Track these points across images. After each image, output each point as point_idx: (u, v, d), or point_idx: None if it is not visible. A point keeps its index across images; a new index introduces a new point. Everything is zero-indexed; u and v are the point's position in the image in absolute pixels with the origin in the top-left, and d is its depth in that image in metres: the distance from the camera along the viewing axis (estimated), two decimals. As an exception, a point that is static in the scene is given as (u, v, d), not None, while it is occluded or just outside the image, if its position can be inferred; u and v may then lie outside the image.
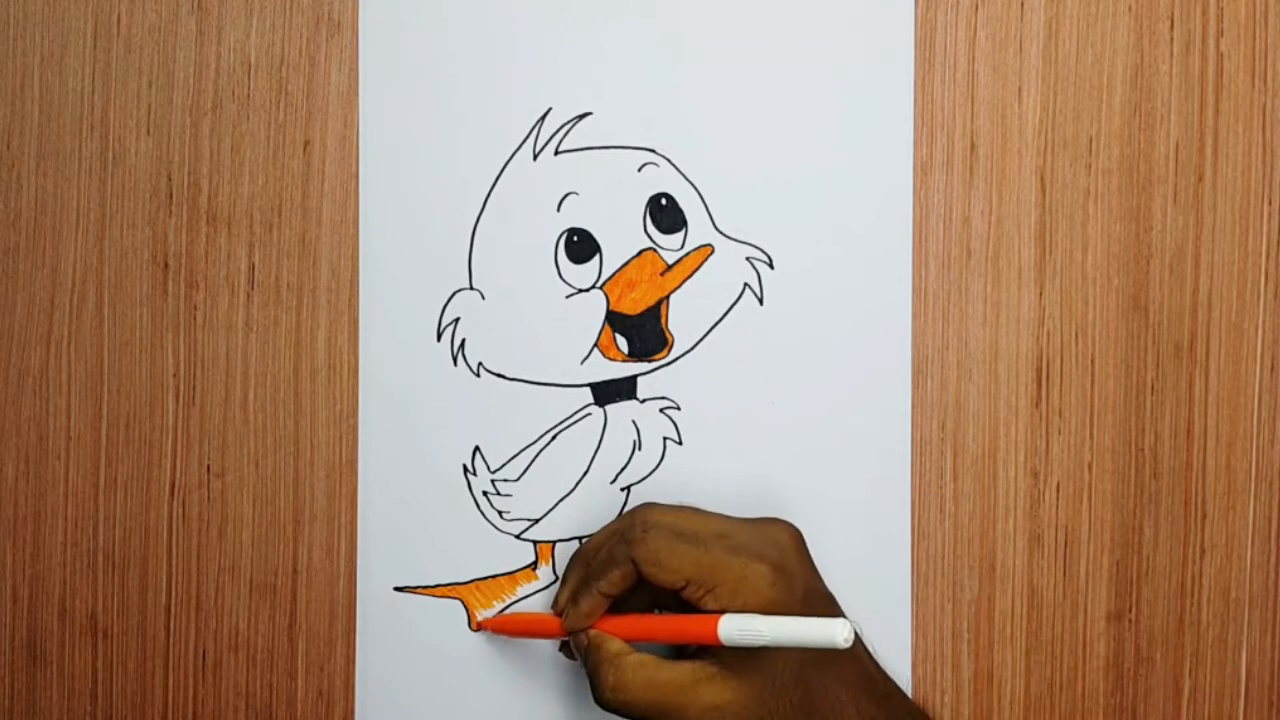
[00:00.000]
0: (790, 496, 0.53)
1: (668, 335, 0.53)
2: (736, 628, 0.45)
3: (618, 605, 0.49)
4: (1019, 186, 0.52)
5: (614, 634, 0.48)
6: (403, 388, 0.53)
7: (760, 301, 0.53)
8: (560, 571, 0.53)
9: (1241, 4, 0.52)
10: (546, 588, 0.53)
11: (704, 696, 0.46)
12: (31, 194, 0.54)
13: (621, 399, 0.53)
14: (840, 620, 0.43)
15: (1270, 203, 0.52)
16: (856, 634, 0.45)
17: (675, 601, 0.48)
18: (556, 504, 0.53)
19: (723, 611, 0.46)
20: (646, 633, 0.48)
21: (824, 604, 0.49)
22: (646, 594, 0.49)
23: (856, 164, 0.53)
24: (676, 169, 0.53)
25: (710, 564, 0.46)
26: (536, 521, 0.53)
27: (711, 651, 0.46)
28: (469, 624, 0.53)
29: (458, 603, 0.53)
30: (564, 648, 0.52)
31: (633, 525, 0.48)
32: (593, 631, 0.48)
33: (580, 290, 0.53)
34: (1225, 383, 0.52)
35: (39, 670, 0.54)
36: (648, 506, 0.50)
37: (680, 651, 0.50)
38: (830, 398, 0.53)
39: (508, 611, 0.53)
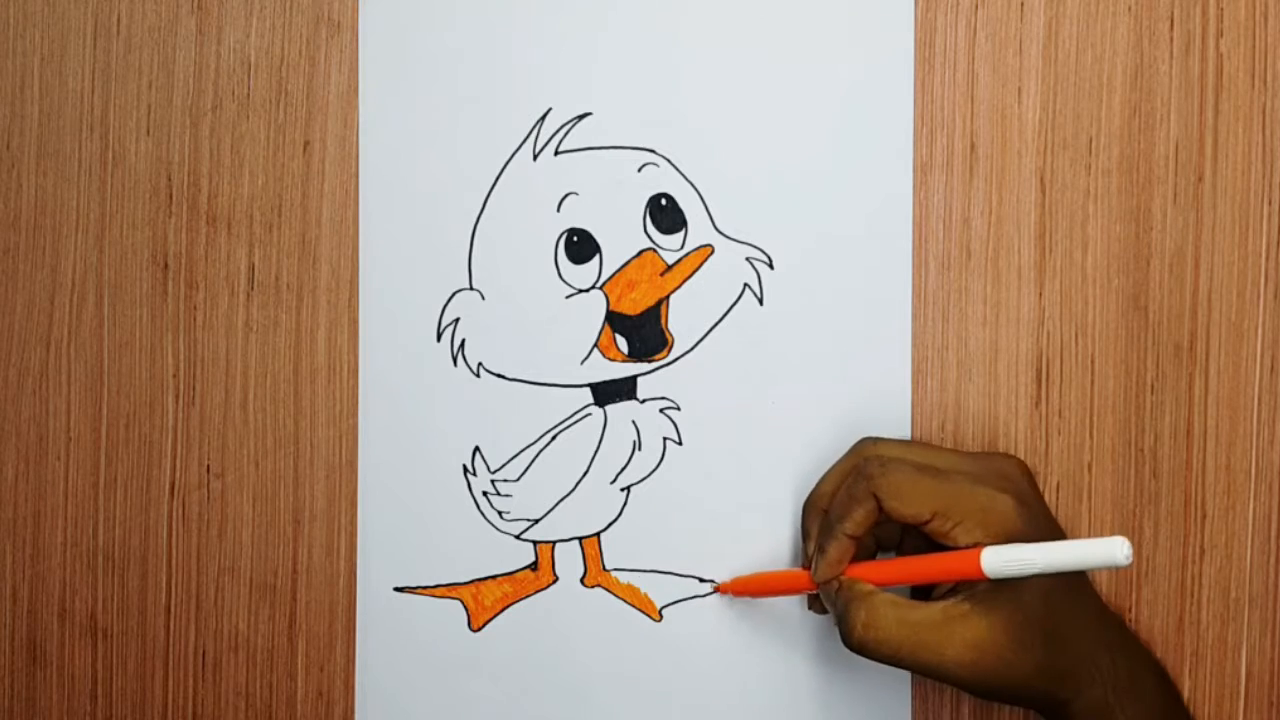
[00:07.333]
0: (791, 497, 0.53)
1: (668, 335, 0.53)
2: (1003, 559, 0.43)
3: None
4: (1019, 187, 0.52)
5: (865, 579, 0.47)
6: (403, 388, 0.53)
7: (760, 301, 0.53)
8: (560, 572, 0.53)
9: (1241, 4, 0.52)
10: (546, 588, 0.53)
11: (961, 634, 0.44)
12: (31, 194, 0.54)
13: (621, 399, 0.53)
14: (1118, 538, 0.41)
15: (1270, 203, 0.52)
16: None
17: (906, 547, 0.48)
18: (556, 504, 0.53)
19: (975, 545, 0.44)
20: (899, 574, 0.47)
21: (1061, 535, 0.48)
22: (874, 542, 0.49)
23: (856, 164, 0.53)
24: (676, 169, 0.53)
25: (955, 495, 0.45)
26: (536, 522, 0.53)
27: (964, 589, 0.45)
28: (469, 624, 0.53)
29: (458, 603, 0.53)
30: (814, 604, 0.51)
31: (868, 462, 0.47)
32: (843, 577, 0.47)
33: (580, 290, 0.53)
34: (1225, 383, 0.52)
35: (39, 670, 0.54)
36: (874, 441, 0.49)
37: (918, 595, 0.49)
38: (830, 398, 0.53)
39: (744, 575, 0.52)
